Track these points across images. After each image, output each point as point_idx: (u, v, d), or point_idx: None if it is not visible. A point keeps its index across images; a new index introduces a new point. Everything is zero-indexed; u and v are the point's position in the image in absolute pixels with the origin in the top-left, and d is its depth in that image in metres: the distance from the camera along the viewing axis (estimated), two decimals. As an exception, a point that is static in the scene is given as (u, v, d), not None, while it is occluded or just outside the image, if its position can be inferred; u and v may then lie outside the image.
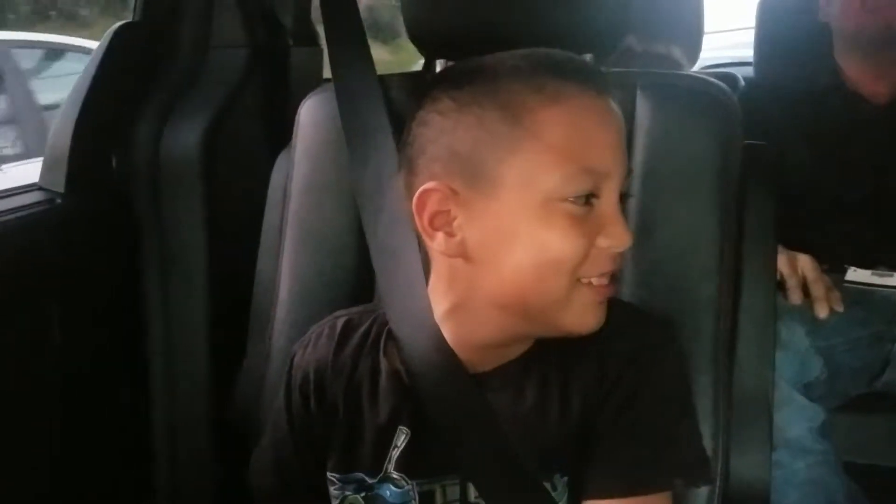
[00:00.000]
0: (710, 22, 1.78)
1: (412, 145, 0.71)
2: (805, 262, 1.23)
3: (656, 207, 0.85)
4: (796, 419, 1.23)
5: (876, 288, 1.38)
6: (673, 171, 0.86)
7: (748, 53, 1.77)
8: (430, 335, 0.73)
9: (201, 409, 1.15)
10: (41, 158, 1.12)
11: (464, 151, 0.67)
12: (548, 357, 0.73)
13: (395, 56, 3.25)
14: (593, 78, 0.69)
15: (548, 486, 0.71)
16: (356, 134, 0.85)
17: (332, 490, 0.77)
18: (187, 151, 1.12)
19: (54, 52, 3.27)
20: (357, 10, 0.92)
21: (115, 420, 1.12)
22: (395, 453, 0.74)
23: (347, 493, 0.76)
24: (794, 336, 1.26)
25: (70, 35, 3.44)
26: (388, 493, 0.74)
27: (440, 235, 0.69)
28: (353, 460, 0.76)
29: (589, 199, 0.67)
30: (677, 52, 1.66)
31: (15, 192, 1.07)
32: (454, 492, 0.73)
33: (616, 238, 0.68)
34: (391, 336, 0.76)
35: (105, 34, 1.13)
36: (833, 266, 1.34)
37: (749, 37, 1.76)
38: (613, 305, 0.72)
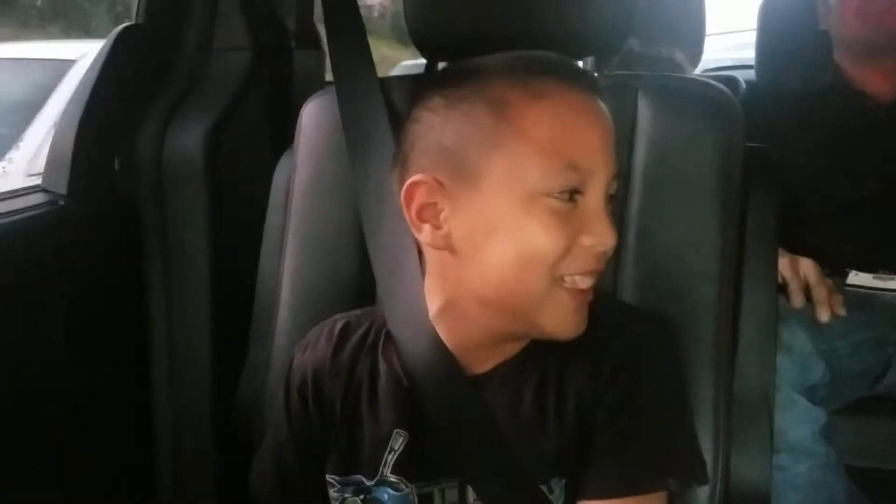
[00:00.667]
0: (711, 24, 1.78)
1: (405, 142, 0.72)
2: (807, 265, 1.23)
3: (658, 210, 0.86)
4: (798, 422, 1.23)
5: (878, 291, 1.38)
6: (674, 173, 0.86)
7: (749, 55, 1.77)
8: (428, 337, 0.73)
9: (204, 409, 1.15)
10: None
11: (451, 145, 0.68)
12: (544, 357, 0.73)
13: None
14: (581, 78, 0.70)
15: (545, 489, 0.71)
16: (357, 136, 0.85)
17: (332, 492, 0.77)
18: (190, 153, 1.12)
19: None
20: (358, 12, 0.93)
21: (118, 421, 1.12)
22: (392, 457, 0.74)
23: (346, 495, 0.76)
24: (797, 339, 1.26)
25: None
26: (386, 496, 0.74)
27: (427, 227, 0.70)
28: (351, 462, 0.76)
29: (573, 195, 0.67)
30: (679, 55, 1.66)
31: (18, 193, 1.08)
32: (453, 494, 0.73)
33: (599, 236, 0.68)
34: (389, 338, 0.76)
35: (108, 36, 1.13)
36: (835, 269, 1.33)
37: (750, 38, 1.75)
38: (610, 305, 0.72)
